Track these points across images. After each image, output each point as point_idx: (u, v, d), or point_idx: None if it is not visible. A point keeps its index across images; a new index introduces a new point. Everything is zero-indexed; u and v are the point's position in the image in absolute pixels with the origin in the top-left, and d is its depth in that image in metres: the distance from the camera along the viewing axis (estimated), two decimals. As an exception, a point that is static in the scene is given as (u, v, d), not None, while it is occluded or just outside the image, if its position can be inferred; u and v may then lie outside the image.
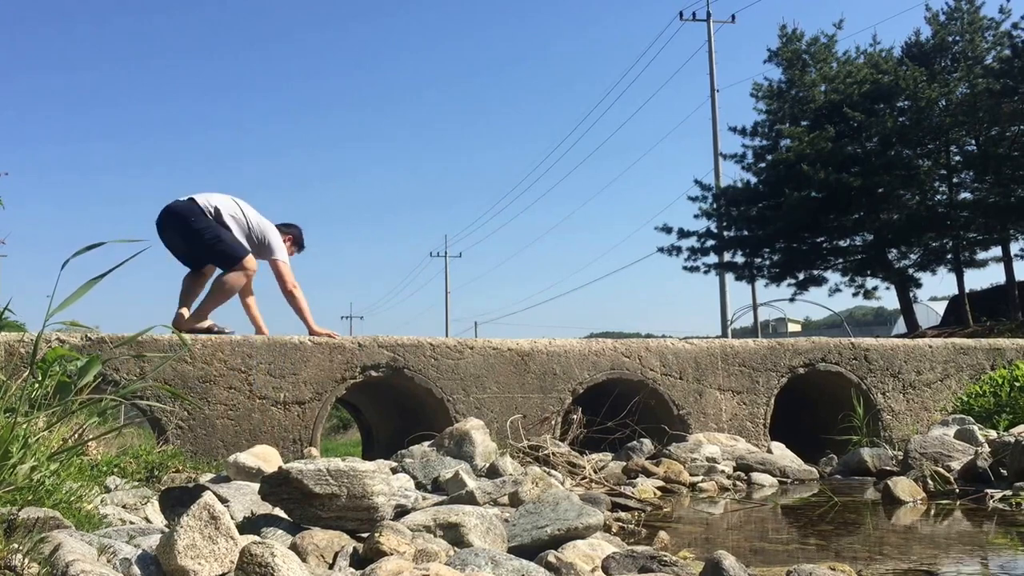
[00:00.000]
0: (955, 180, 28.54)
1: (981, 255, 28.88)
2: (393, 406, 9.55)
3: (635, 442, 7.93)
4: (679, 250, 32.57)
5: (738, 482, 7.33)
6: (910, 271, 29.89)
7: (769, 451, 8.16)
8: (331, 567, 3.52)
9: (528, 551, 3.85)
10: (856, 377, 9.31)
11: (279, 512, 4.07)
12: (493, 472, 6.18)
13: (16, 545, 2.69)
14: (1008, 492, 5.87)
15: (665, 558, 3.63)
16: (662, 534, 4.72)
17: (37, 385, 3.99)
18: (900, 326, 36.40)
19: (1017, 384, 8.48)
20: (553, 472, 6.70)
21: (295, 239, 8.97)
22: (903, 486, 6.15)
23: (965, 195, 28.59)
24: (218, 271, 8.26)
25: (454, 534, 3.92)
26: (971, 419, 8.14)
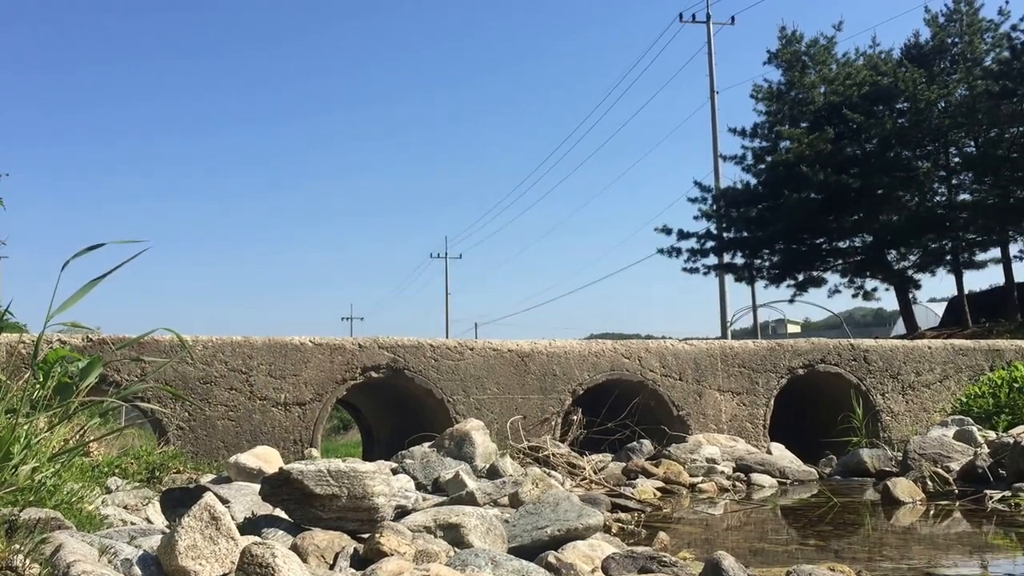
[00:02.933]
0: (954, 181, 28.52)
1: (980, 256, 28.85)
2: (393, 407, 9.56)
3: (635, 443, 7.93)
4: (679, 251, 32.53)
5: (738, 483, 7.33)
6: (909, 272, 29.87)
7: (769, 452, 8.16)
8: (332, 567, 3.53)
9: (528, 551, 3.86)
10: (855, 378, 9.32)
11: (280, 513, 4.08)
12: (493, 473, 6.19)
13: (18, 546, 2.70)
14: (1007, 493, 5.88)
15: (665, 558, 3.63)
16: (662, 535, 4.73)
17: (38, 386, 3.99)
18: (899, 327, 36.38)
19: (1016, 385, 8.49)
20: (553, 473, 6.70)
21: None
22: (902, 487, 6.16)
23: (964, 196, 28.57)
24: None
25: (454, 534, 3.93)
26: (970, 420, 8.14)
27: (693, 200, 32.85)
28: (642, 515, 5.78)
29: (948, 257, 28.71)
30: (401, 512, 4.52)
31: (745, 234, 31.23)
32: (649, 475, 7.08)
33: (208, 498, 3.14)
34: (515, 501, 5.30)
